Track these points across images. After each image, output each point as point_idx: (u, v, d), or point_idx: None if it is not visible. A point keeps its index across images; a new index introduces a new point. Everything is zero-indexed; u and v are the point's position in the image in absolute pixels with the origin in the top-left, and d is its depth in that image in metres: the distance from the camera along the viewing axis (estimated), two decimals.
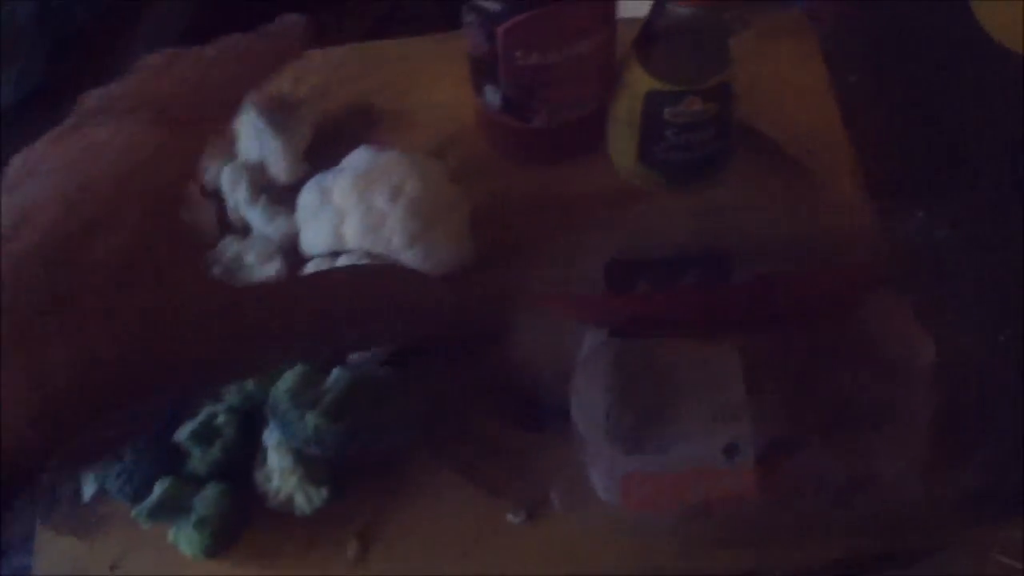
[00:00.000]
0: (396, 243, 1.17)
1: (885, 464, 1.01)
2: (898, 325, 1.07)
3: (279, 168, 1.30)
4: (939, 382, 1.04)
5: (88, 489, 1.14)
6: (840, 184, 1.27)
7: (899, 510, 1.02)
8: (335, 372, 1.09)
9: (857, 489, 1.02)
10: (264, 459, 1.10)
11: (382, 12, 1.88)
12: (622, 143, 1.24)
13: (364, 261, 1.18)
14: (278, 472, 1.08)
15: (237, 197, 1.29)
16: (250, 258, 1.23)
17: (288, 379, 1.07)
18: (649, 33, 1.13)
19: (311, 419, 1.03)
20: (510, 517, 1.09)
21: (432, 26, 1.52)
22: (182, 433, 1.10)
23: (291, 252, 1.26)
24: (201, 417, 1.11)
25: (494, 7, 1.11)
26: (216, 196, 1.32)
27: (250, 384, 1.10)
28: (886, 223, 1.18)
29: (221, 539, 1.07)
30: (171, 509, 1.07)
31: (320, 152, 1.35)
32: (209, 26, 1.54)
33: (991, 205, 1.24)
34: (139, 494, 1.08)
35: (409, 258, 1.18)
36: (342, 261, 1.19)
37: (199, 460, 1.09)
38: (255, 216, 1.27)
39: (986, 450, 1.01)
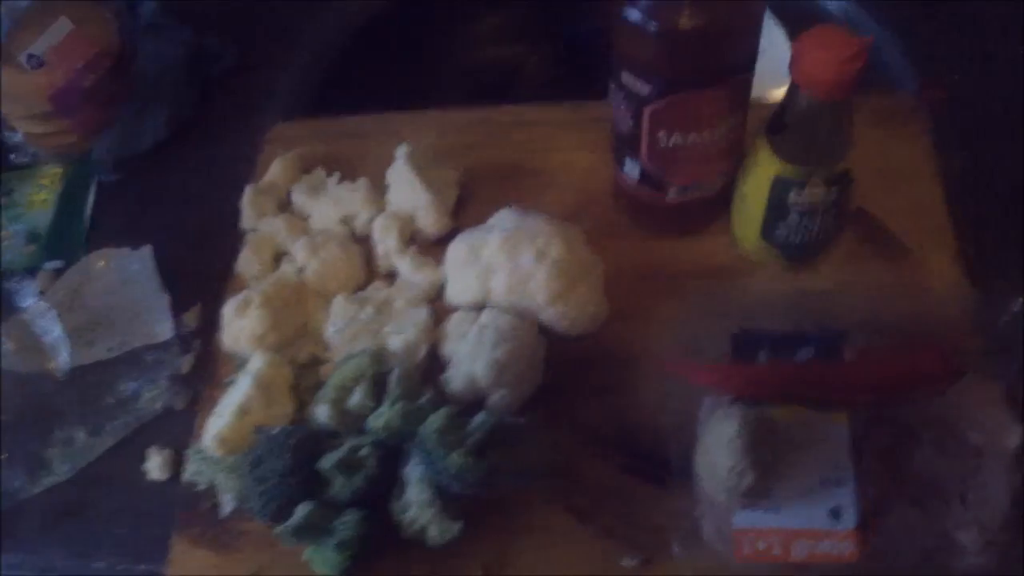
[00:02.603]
0: (540, 300, 1.24)
1: (968, 534, 1.06)
2: (988, 407, 1.12)
3: (429, 221, 1.37)
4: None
5: (228, 505, 1.22)
6: (941, 266, 1.30)
7: None
8: (479, 416, 1.14)
9: (940, 556, 1.07)
10: (402, 491, 1.15)
11: (502, 73, 1.94)
12: (746, 220, 1.28)
13: (508, 315, 1.24)
14: (416, 504, 1.13)
15: (387, 245, 1.36)
16: (399, 303, 1.30)
17: (436, 419, 1.11)
18: (780, 120, 1.17)
19: (456, 458, 1.08)
20: (625, 561, 1.13)
21: (549, 89, 1.57)
22: (326, 462, 1.15)
23: (434, 300, 1.34)
24: (346, 448, 1.16)
25: (643, 89, 1.16)
26: (366, 242, 1.40)
27: (396, 420, 1.14)
28: (983, 307, 1.19)
29: (358, 561, 1.12)
30: (312, 530, 1.12)
31: (462, 207, 1.43)
32: (348, 72, 1.63)
33: None
34: (279, 515, 1.13)
35: (550, 315, 1.25)
36: (486, 314, 1.25)
37: (341, 487, 1.14)
38: (403, 264, 1.34)
39: None
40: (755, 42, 1.16)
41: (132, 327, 1.39)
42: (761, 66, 1.21)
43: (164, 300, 1.39)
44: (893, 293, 1.26)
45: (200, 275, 1.44)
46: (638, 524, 1.15)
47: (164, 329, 1.38)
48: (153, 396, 1.33)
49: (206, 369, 1.34)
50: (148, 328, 1.38)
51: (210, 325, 1.36)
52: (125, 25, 1.65)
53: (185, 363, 1.36)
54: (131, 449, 1.31)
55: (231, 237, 1.44)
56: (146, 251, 1.44)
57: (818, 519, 1.06)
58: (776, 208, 1.22)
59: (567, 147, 1.48)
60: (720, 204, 1.33)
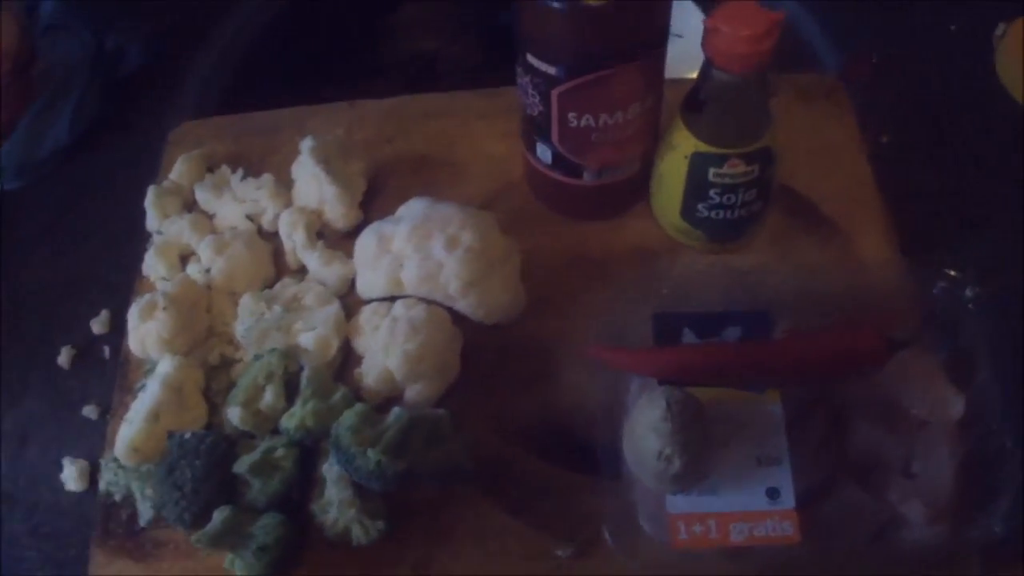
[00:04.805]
0: (452, 291, 1.21)
1: (914, 508, 1.05)
2: (928, 380, 1.11)
3: (336, 214, 1.34)
4: (966, 433, 1.08)
5: (146, 514, 1.17)
6: (872, 243, 1.29)
7: (926, 552, 1.05)
8: (394, 411, 1.11)
9: (888, 531, 1.06)
10: (322, 491, 1.13)
11: (421, 65, 1.92)
12: (666, 200, 1.26)
13: (421, 306, 1.21)
14: (337, 504, 1.10)
15: (295, 240, 1.33)
16: (308, 300, 1.27)
17: (349, 417, 1.09)
18: (695, 97, 1.15)
19: (372, 455, 1.05)
20: (559, 553, 1.11)
21: (469, 81, 1.55)
22: (241, 465, 1.13)
23: (346, 295, 1.30)
24: (261, 450, 1.14)
25: (551, 71, 1.13)
26: (273, 238, 1.37)
27: (309, 420, 1.12)
28: (917, 281, 1.18)
29: (279, 566, 1.10)
30: (231, 537, 1.09)
31: (373, 200, 1.40)
32: (260, 69, 1.60)
33: (1019, 263, 1.29)
34: (197, 522, 1.11)
35: (464, 306, 1.23)
36: (399, 305, 1.23)
37: (258, 491, 1.12)
38: (312, 260, 1.31)
39: (1009, 498, 1.03)
40: (664, 18, 1.15)
41: None
42: (678, 47, 1.21)
43: None
44: (824, 271, 1.26)
45: (109, 280, 1.42)
46: (571, 515, 1.13)
47: None
48: None
49: (116, 375, 1.30)
50: None
51: (119, 330, 1.33)
52: (25, 26, 1.61)
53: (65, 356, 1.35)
54: (46, 461, 1.28)
55: (140, 240, 1.40)
56: None
57: (755, 500, 1.05)
58: (695, 187, 1.20)
59: (479, 137, 1.46)
60: (640, 186, 1.31)
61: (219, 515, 1.10)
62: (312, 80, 1.77)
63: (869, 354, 1.08)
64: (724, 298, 1.17)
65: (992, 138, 1.43)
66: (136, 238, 1.41)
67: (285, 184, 1.39)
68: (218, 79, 1.70)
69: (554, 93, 1.16)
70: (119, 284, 1.39)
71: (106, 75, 1.64)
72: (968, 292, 1.13)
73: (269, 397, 1.16)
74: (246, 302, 1.27)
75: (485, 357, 1.25)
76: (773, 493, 1.04)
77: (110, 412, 1.28)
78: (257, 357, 1.21)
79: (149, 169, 1.50)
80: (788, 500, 1.04)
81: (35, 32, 1.64)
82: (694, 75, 1.15)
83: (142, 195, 1.41)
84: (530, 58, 1.15)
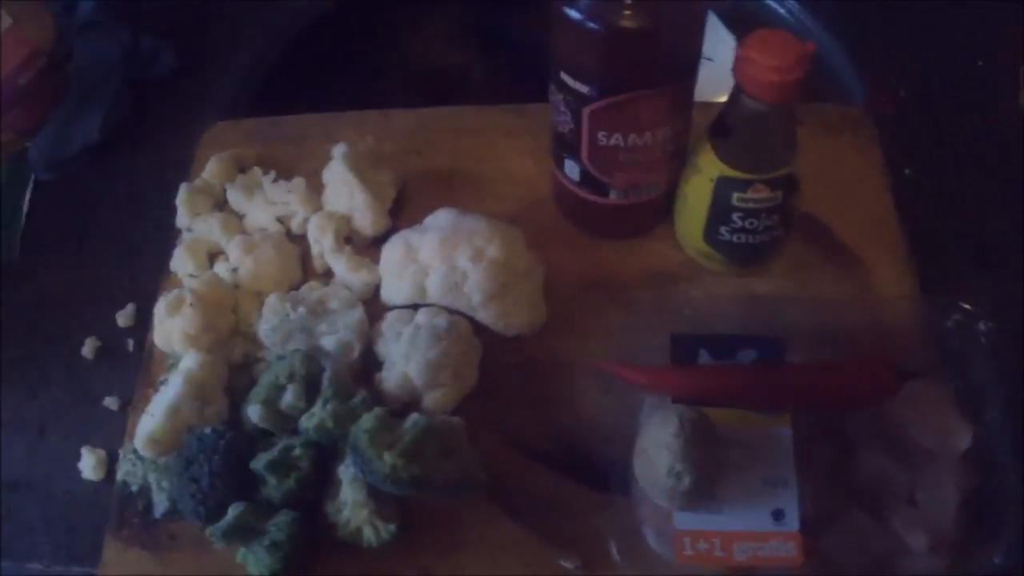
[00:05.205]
0: (475, 302, 1.22)
1: (917, 537, 1.05)
2: (937, 412, 1.11)
3: (365, 221, 1.35)
4: (973, 466, 1.09)
5: (161, 506, 1.18)
6: (889, 275, 1.30)
7: None
8: (412, 417, 1.13)
9: (890, 559, 1.06)
10: (337, 492, 1.13)
11: (450, 82, 1.93)
12: (689, 222, 1.27)
13: (444, 315, 1.23)
14: (350, 505, 1.11)
15: (323, 244, 1.34)
16: (333, 303, 1.29)
17: (368, 420, 1.10)
18: (723, 122, 1.16)
19: (389, 459, 1.06)
20: (564, 563, 1.12)
21: (495, 95, 1.56)
22: (258, 462, 1.13)
23: (370, 301, 1.32)
24: (278, 448, 1.14)
25: (583, 89, 1.14)
26: (302, 241, 1.38)
27: (328, 421, 1.13)
28: (931, 313, 1.19)
29: (291, 563, 1.10)
30: (244, 532, 1.11)
31: (400, 210, 1.41)
32: (292, 78, 1.61)
33: None
34: (212, 516, 1.12)
35: (485, 317, 1.24)
36: (422, 313, 1.24)
37: (274, 489, 1.13)
38: (339, 264, 1.32)
39: (1011, 532, 1.04)
40: (697, 44, 1.16)
41: None
42: (709, 70, 1.22)
43: None
44: (841, 300, 1.26)
45: (135, 275, 1.43)
46: (577, 527, 1.14)
47: None
48: None
49: (139, 369, 1.32)
50: None
51: (144, 325, 1.35)
52: (62, 23, 1.63)
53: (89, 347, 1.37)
54: (65, 450, 1.29)
55: (167, 238, 1.42)
56: None
57: (760, 521, 1.06)
58: (719, 210, 1.21)
59: (508, 153, 1.47)
60: (664, 207, 1.32)
61: (234, 510, 1.11)
62: (339, 91, 1.78)
63: (880, 383, 1.09)
64: (741, 322, 1.18)
65: (1018, 175, 1.43)
66: (163, 236, 1.43)
67: (315, 189, 1.40)
68: (249, 84, 1.71)
69: (585, 111, 1.17)
70: (145, 279, 1.41)
71: (139, 74, 1.66)
72: (982, 326, 1.14)
73: (290, 397, 1.17)
74: (271, 302, 1.28)
75: (503, 369, 1.25)
76: (778, 515, 1.05)
77: (131, 404, 1.29)
78: (280, 357, 1.21)
79: (178, 168, 1.51)
80: (793, 522, 1.05)
81: (72, 29, 1.65)
82: (721, 98, 1.16)
83: (170, 194, 1.42)
84: (563, 76, 1.16)
